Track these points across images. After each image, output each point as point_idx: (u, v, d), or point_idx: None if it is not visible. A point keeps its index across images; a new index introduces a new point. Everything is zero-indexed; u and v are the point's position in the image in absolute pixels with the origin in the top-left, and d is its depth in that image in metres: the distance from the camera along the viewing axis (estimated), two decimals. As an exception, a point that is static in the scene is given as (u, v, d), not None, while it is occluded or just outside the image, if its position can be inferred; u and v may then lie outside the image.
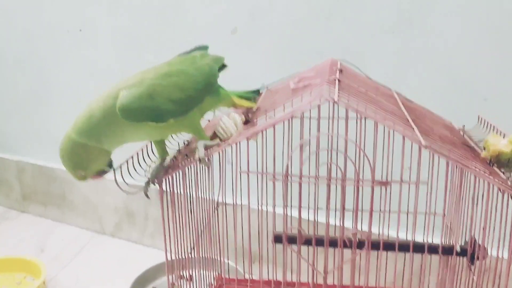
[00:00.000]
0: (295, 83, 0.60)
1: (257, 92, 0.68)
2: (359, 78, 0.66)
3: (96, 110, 0.50)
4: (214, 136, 0.55)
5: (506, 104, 0.74)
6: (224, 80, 0.60)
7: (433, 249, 0.60)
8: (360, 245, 0.51)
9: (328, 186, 0.49)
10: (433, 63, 0.78)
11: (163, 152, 0.57)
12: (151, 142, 0.60)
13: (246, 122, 0.55)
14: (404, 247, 0.56)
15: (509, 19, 0.73)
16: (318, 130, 0.50)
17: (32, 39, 1.16)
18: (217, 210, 0.74)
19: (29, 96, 1.23)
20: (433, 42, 0.78)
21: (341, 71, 0.62)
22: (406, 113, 0.58)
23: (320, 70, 0.68)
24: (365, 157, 0.48)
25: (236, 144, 0.50)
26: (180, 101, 0.51)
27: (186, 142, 0.63)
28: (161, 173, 0.54)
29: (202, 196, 0.68)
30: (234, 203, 0.69)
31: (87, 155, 0.50)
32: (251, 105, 0.58)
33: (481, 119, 0.67)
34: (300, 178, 0.48)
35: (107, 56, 1.07)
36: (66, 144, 0.50)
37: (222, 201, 0.73)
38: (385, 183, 0.48)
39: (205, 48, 0.63)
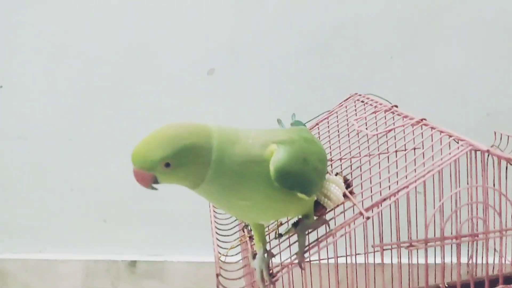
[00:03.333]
0: (359, 126, 0.54)
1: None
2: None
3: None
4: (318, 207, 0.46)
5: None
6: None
7: None
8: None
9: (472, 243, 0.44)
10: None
11: (263, 238, 0.46)
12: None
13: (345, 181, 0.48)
14: None
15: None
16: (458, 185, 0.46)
17: None
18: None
19: None
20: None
21: (396, 107, 0.59)
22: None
23: (361, 108, 0.64)
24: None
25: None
26: (321, 173, 0.43)
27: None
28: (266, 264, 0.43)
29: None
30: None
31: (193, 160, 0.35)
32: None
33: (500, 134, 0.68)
34: (442, 240, 0.43)
35: (43, 114, 0.88)
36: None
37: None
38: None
39: (304, 124, 0.56)
